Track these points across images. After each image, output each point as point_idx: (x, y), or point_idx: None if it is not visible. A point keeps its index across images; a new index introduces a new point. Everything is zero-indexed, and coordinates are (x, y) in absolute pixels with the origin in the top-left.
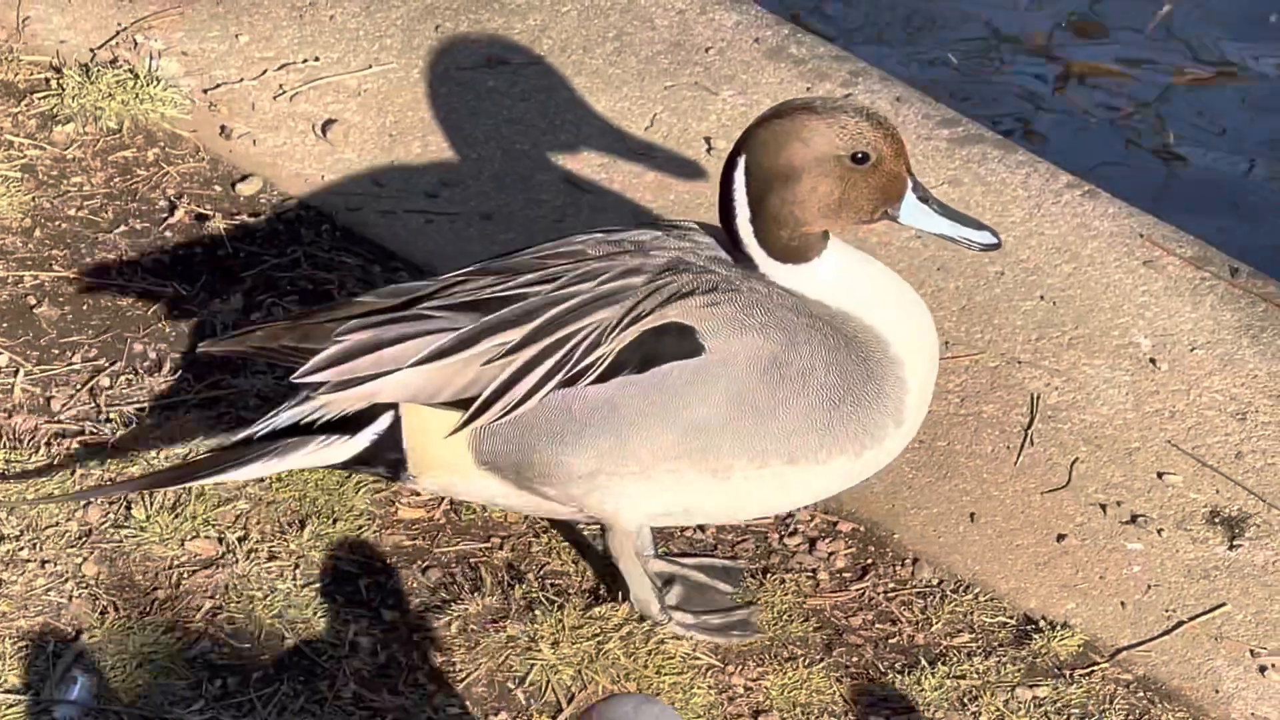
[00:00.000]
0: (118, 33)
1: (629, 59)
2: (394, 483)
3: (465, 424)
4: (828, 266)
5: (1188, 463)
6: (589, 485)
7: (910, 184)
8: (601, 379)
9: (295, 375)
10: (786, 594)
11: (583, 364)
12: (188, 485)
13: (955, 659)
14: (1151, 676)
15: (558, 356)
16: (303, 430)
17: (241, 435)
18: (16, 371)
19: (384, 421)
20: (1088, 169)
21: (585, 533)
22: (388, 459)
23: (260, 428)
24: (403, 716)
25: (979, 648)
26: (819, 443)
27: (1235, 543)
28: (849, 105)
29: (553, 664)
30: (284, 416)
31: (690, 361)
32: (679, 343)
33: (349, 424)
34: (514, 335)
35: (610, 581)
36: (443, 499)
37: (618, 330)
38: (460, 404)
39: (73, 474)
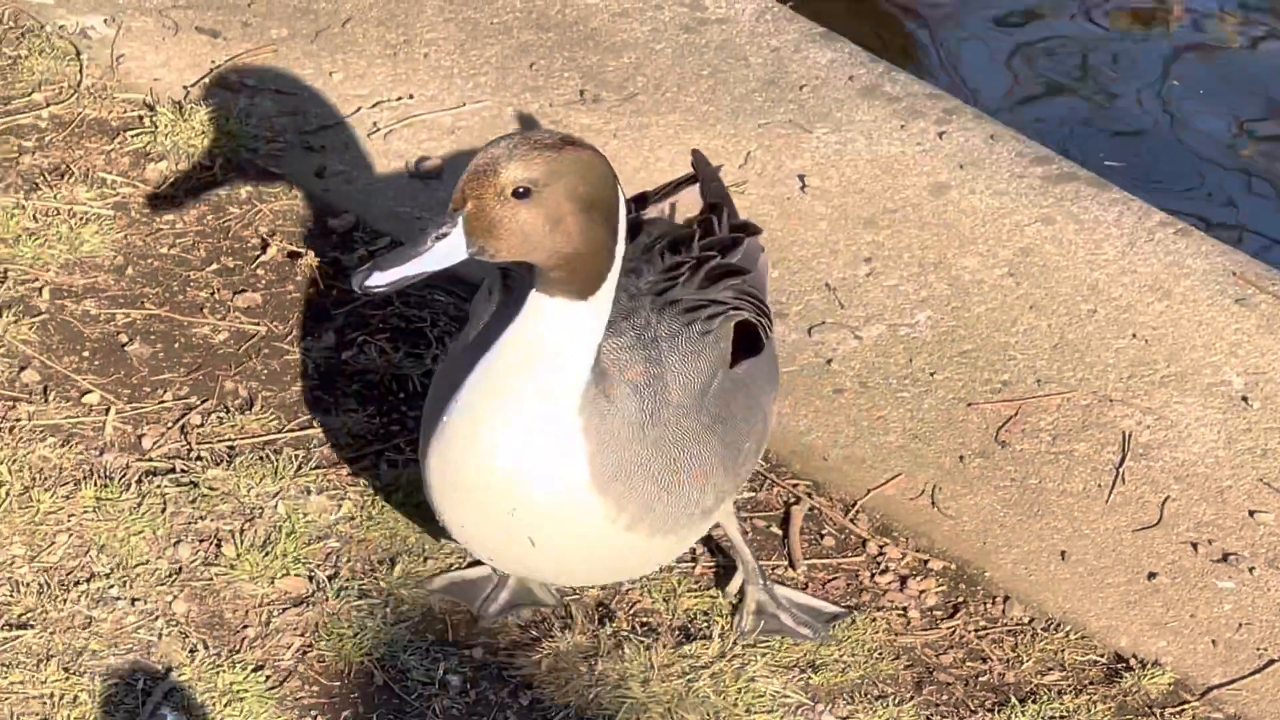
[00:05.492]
0: (211, 70)
1: (723, 96)
2: None
3: None
4: None
5: None
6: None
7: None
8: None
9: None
10: (877, 632)
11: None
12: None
13: (1046, 697)
14: (1242, 715)
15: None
16: None
17: None
18: (108, 409)
19: None
20: None
21: (676, 572)
22: None
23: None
24: None
25: (1069, 686)
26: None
27: None
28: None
29: (642, 702)
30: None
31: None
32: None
33: None
34: None
35: (701, 620)
36: None
37: None
38: None
39: (163, 512)
